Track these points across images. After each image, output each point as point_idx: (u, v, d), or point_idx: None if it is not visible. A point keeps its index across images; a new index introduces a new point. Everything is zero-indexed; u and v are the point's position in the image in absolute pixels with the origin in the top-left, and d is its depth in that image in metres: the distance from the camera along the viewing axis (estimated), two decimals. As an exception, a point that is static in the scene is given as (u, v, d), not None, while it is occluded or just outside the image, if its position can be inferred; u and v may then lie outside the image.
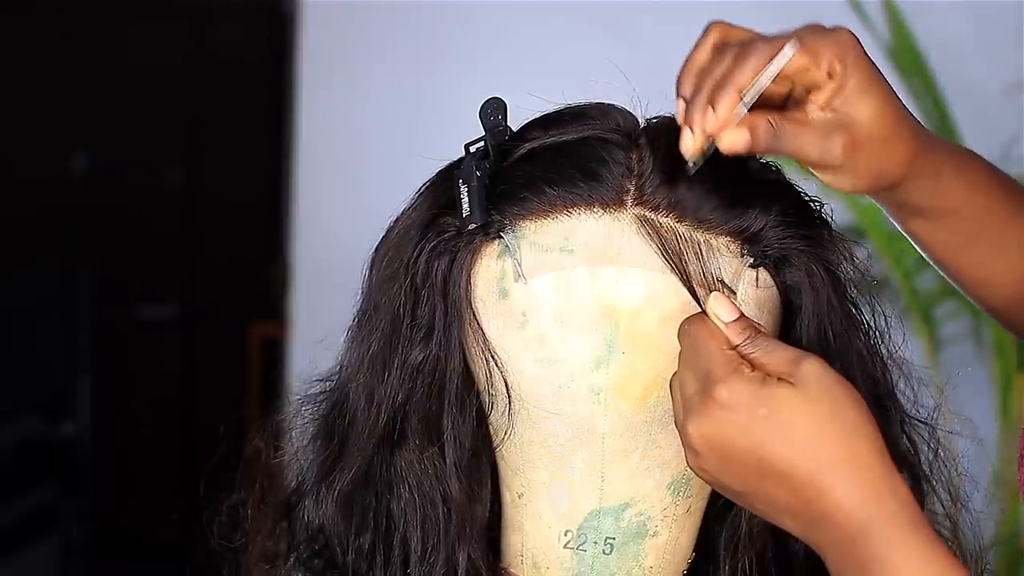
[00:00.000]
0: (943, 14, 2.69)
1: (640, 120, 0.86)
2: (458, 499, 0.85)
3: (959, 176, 0.87)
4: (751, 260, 0.81)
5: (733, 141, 0.77)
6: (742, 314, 0.78)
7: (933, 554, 0.71)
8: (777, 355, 0.76)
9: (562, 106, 0.87)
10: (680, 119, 0.79)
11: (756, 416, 0.73)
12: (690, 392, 0.76)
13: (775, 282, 0.83)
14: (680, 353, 0.78)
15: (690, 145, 0.77)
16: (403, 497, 0.86)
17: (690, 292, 0.79)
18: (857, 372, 0.85)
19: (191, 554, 0.99)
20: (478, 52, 2.89)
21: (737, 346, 0.76)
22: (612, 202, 0.81)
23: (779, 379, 0.74)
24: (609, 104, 0.86)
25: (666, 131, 0.83)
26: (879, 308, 0.87)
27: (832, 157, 0.79)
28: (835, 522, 0.72)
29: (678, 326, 0.79)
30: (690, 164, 0.79)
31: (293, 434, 0.96)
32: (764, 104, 0.78)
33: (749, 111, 0.77)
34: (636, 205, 0.81)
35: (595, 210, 0.81)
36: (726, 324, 0.77)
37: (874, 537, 0.71)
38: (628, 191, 0.81)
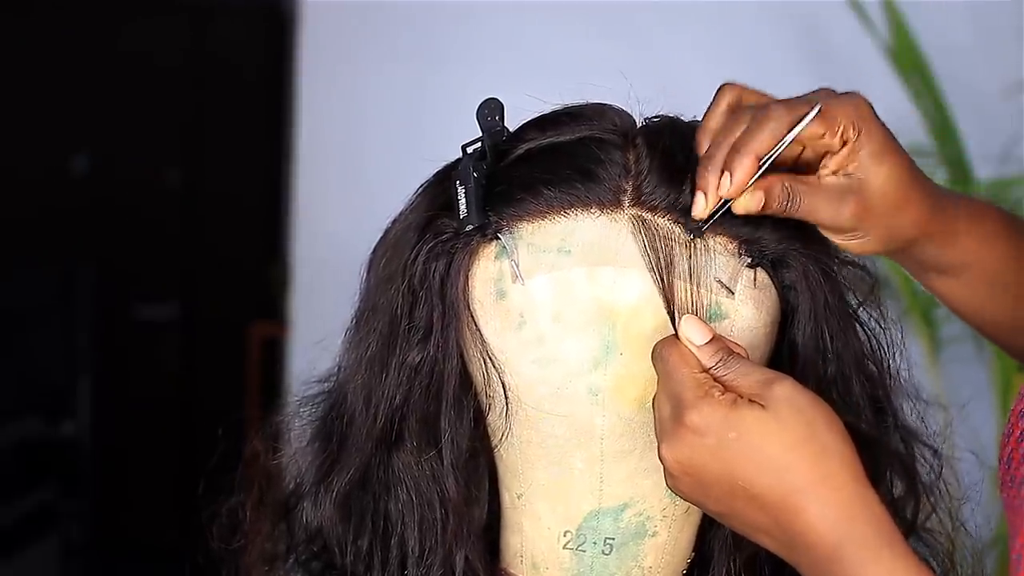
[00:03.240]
0: (943, 14, 2.69)
1: (637, 120, 0.86)
2: (456, 500, 0.85)
3: (974, 231, 0.87)
4: (748, 260, 0.81)
5: (747, 205, 0.79)
6: (715, 336, 0.78)
7: (906, 571, 0.72)
8: (750, 377, 0.76)
9: (559, 106, 0.87)
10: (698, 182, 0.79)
11: (726, 440, 0.74)
12: (664, 416, 0.77)
13: (772, 282, 0.83)
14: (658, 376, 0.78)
15: (702, 209, 0.79)
16: (401, 498, 0.86)
17: (667, 298, 0.79)
18: (854, 373, 0.85)
19: (191, 555, 0.99)
20: (477, 53, 2.89)
21: (709, 369, 0.77)
22: (609, 202, 0.81)
23: (751, 401, 0.75)
24: (606, 104, 0.86)
25: (663, 131, 0.84)
26: (877, 308, 0.87)
27: (843, 221, 0.80)
28: (809, 543, 0.73)
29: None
30: (697, 223, 0.79)
31: (291, 435, 0.96)
32: (775, 165, 0.79)
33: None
34: (633, 205, 0.81)
35: (592, 211, 0.81)
36: (698, 347, 0.77)
37: (846, 557, 0.72)
38: (625, 191, 0.81)
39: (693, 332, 0.78)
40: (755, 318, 0.81)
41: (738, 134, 0.79)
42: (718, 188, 0.78)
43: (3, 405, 4.03)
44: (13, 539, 3.75)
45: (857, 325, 0.87)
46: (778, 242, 0.82)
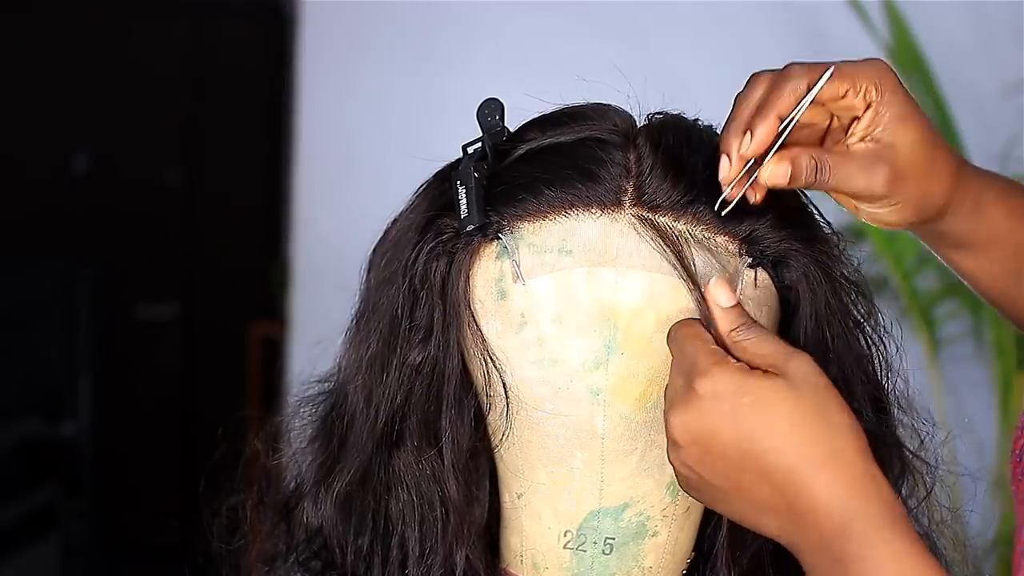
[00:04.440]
0: (943, 14, 2.69)
1: (638, 120, 0.86)
2: (456, 500, 0.85)
3: (1001, 204, 0.87)
4: (749, 260, 0.81)
5: (774, 174, 0.77)
6: (739, 302, 0.78)
7: (912, 553, 0.71)
8: (768, 347, 0.75)
9: (560, 106, 0.87)
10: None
11: (741, 405, 0.73)
12: (676, 387, 0.76)
13: (773, 282, 0.83)
14: (672, 359, 0.78)
15: (727, 172, 0.78)
16: (401, 498, 0.86)
17: (695, 288, 0.79)
18: (855, 373, 0.85)
19: (191, 554, 0.99)
20: (477, 53, 2.89)
21: (731, 331, 0.76)
22: (610, 203, 0.81)
23: (766, 372, 0.74)
24: (607, 104, 0.86)
25: (665, 130, 0.83)
26: (878, 309, 0.87)
27: (877, 187, 0.80)
28: (815, 520, 0.72)
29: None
30: (726, 196, 0.79)
31: (291, 435, 0.96)
32: (802, 143, 0.79)
33: (786, 147, 0.78)
34: (634, 205, 0.81)
35: (593, 211, 0.81)
36: (723, 309, 0.77)
37: (854, 535, 0.71)
38: (626, 191, 0.81)
39: (721, 294, 0.77)
40: (755, 318, 0.81)
41: (757, 98, 0.78)
42: (739, 148, 0.77)
43: (3, 405, 4.03)
44: (13, 539, 3.74)
45: (858, 325, 0.87)
46: (779, 242, 0.82)
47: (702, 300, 0.79)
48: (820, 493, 0.72)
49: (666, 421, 0.76)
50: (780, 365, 0.74)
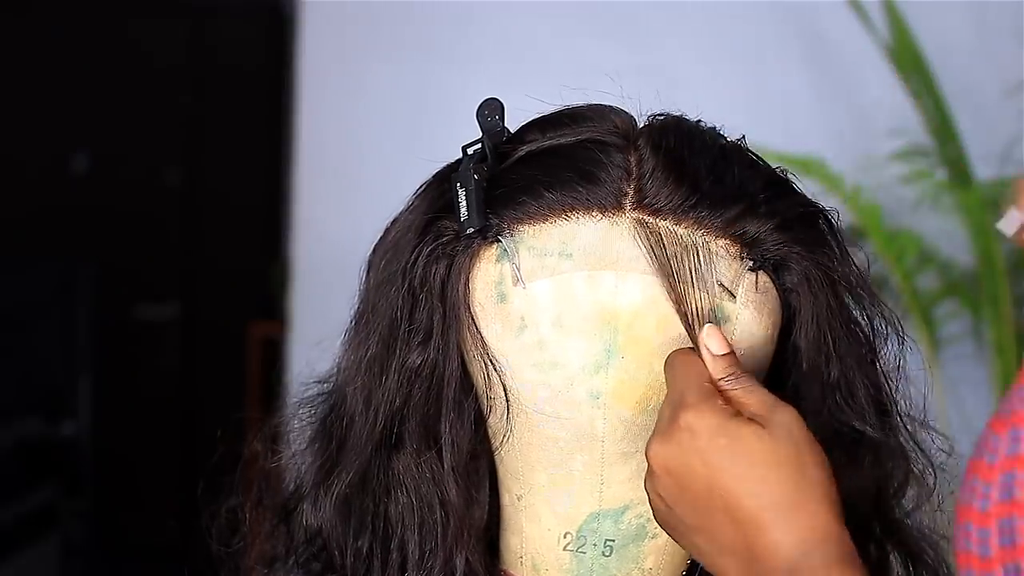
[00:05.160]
0: (943, 14, 2.69)
1: (639, 120, 0.85)
2: (456, 503, 0.85)
3: None
4: (751, 263, 0.81)
5: None
6: (732, 351, 0.78)
7: None
8: (755, 397, 0.76)
9: (560, 108, 0.86)
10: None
11: (716, 445, 0.74)
12: (663, 417, 0.77)
13: (775, 285, 0.82)
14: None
15: (1014, 223, 0.79)
16: (401, 501, 0.86)
17: (678, 301, 0.79)
18: (857, 376, 0.84)
19: (191, 555, 0.99)
20: (478, 53, 2.89)
21: (719, 379, 0.77)
22: (611, 206, 0.80)
23: (750, 419, 0.75)
24: (607, 106, 0.86)
25: (667, 131, 0.83)
26: (881, 312, 0.87)
27: None
28: (772, 565, 0.72)
29: (674, 330, 0.79)
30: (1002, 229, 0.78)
31: (291, 437, 0.96)
32: None
33: None
34: (635, 209, 0.80)
35: (593, 214, 0.80)
36: (714, 357, 0.77)
37: (803, 572, 0.71)
38: (627, 194, 0.81)
39: (713, 342, 0.78)
40: (757, 322, 0.81)
41: None
42: None
43: (3, 405, 4.03)
44: (13, 539, 3.74)
45: (860, 329, 0.86)
46: (780, 245, 0.81)
47: (682, 315, 0.79)
48: (777, 536, 0.72)
49: (648, 449, 0.77)
50: (765, 415, 0.75)
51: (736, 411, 0.75)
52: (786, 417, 0.74)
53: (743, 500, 0.73)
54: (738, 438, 0.74)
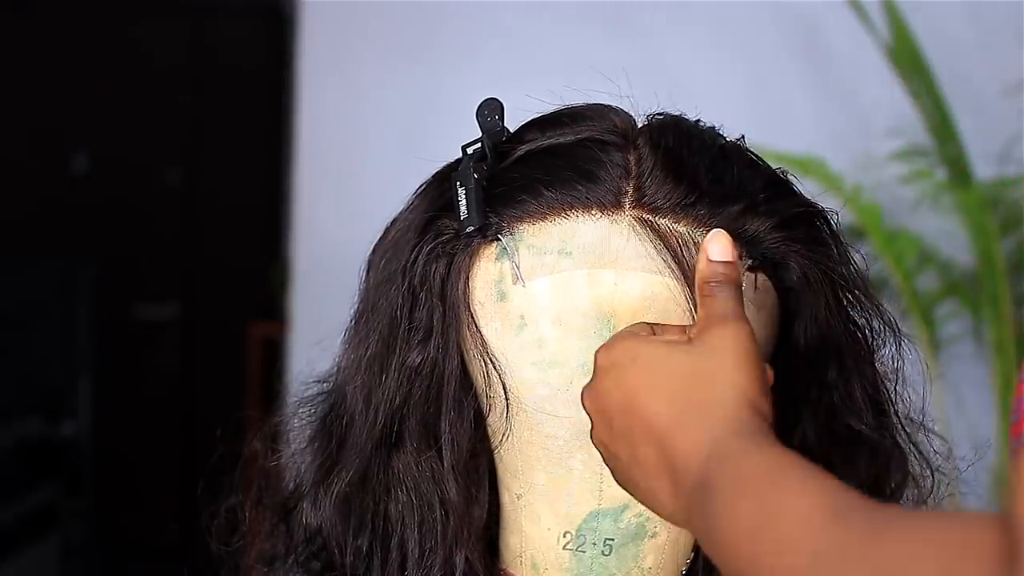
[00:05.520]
0: (943, 14, 2.69)
1: (639, 119, 0.85)
2: (456, 501, 0.85)
3: None
4: (750, 262, 0.81)
5: None
6: (733, 263, 0.76)
7: (777, 453, 0.65)
8: (719, 307, 0.73)
9: (560, 107, 0.86)
10: None
11: (628, 366, 0.72)
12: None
13: (773, 284, 0.82)
14: None
15: None
16: (401, 499, 0.86)
17: (691, 290, 0.79)
18: (855, 375, 0.84)
19: (191, 555, 0.99)
20: (477, 53, 2.89)
21: (709, 282, 0.74)
22: (610, 204, 0.81)
23: (671, 341, 0.73)
24: (607, 105, 0.86)
25: (666, 130, 0.83)
26: (880, 313, 0.87)
27: None
28: (685, 474, 0.68)
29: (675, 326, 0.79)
30: None
31: (290, 436, 0.96)
32: None
33: None
34: (634, 207, 0.81)
35: (593, 212, 0.81)
36: (709, 261, 0.75)
37: (714, 457, 0.66)
38: (626, 193, 0.81)
39: (715, 247, 0.76)
40: (756, 320, 0.81)
41: None
42: None
43: (3, 405, 4.03)
44: (13, 539, 3.74)
45: (859, 328, 0.86)
46: (779, 244, 0.81)
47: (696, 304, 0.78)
48: (687, 440, 0.68)
49: (581, 402, 0.76)
50: (703, 328, 0.72)
51: (650, 334, 0.74)
52: (727, 331, 0.71)
53: (654, 414, 0.70)
54: (650, 355, 0.72)
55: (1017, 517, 0.51)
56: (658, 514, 0.73)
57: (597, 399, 0.74)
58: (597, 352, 0.75)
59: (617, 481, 0.76)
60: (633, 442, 0.72)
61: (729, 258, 0.75)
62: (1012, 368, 2.35)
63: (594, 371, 0.75)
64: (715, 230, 0.77)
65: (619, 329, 0.79)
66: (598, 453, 0.81)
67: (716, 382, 0.70)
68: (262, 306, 4.28)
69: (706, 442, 0.68)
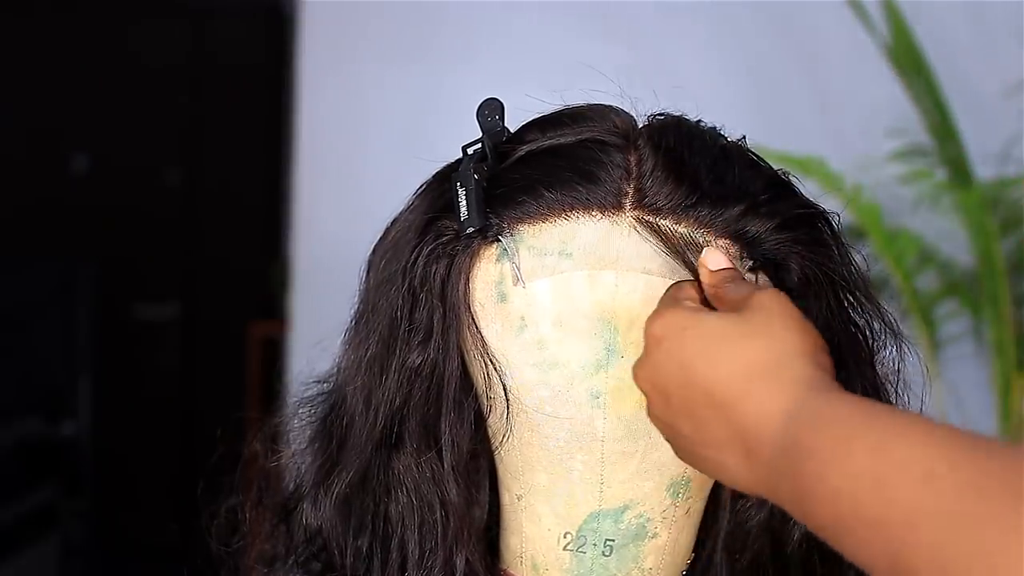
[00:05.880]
0: (943, 14, 2.69)
1: (640, 120, 0.85)
2: (456, 502, 0.85)
3: None
4: (751, 263, 0.81)
5: None
6: (732, 268, 0.77)
7: (865, 400, 0.64)
8: (744, 288, 0.74)
9: (560, 107, 0.86)
10: None
11: (683, 338, 0.72)
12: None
13: (775, 285, 0.82)
14: None
15: None
16: (401, 500, 0.86)
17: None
18: (857, 376, 0.84)
19: (191, 555, 0.99)
20: (477, 53, 2.89)
21: (716, 284, 0.75)
22: (611, 205, 0.80)
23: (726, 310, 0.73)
24: (607, 105, 0.86)
25: (667, 131, 0.83)
26: (880, 315, 0.87)
27: None
28: (759, 441, 0.66)
29: None
30: None
31: (291, 436, 0.96)
32: None
33: None
34: (635, 208, 0.81)
35: (593, 213, 0.81)
36: (710, 272, 0.76)
37: (801, 421, 0.64)
38: (627, 194, 0.81)
39: (711, 258, 0.77)
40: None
41: None
42: None
43: (3, 405, 4.03)
44: (13, 539, 3.75)
45: (860, 330, 0.86)
46: (780, 245, 0.81)
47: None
48: (757, 404, 0.67)
49: (633, 376, 0.75)
50: (742, 301, 0.72)
51: (701, 306, 0.74)
52: (763, 297, 0.71)
53: (714, 383, 0.69)
54: (702, 324, 0.71)
55: None
56: (730, 486, 0.72)
57: (652, 374, 0.73)
58: (647, 324, 0.74)
59: (680, 458, 0.75)
60: (696, 415, 0.71)
61: (727, 264, 0.76)
62: (1012, 369, 2.35)
63: (644, 346, 0.74)
64: (705, 249, 0.78)
65: (620, 331, 0.79)
66: (598, 454, 0.81)
67: (774, 344, 0.69)
68: (262, 306, 4.28)
69: (780, 405, 0.66)
